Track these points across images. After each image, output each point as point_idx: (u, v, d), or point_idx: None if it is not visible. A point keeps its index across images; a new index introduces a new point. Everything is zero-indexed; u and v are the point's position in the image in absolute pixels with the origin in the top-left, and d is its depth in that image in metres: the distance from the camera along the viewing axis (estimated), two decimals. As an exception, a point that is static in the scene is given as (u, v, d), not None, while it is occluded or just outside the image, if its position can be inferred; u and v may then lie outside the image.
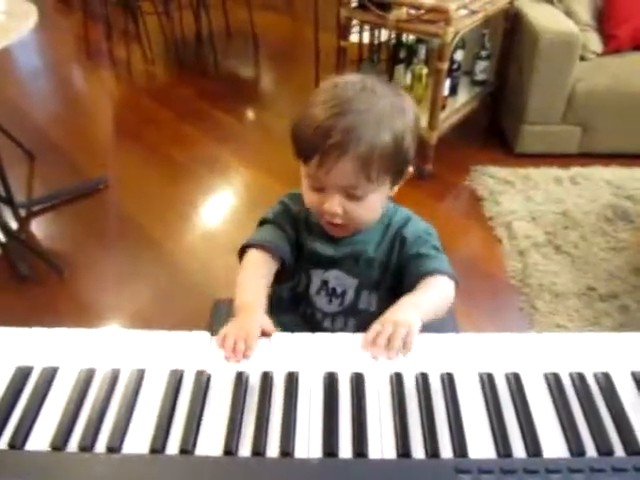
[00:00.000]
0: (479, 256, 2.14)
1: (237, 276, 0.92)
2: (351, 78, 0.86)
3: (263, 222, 1.01)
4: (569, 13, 2.52)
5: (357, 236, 0.95)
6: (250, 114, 3.36)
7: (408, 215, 1.00)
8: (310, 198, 0.89)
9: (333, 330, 1.01)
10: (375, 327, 0.78)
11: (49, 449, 0.63)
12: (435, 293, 0.89)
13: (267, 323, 0.81)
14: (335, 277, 0.98)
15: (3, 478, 0.60)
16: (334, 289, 0.99)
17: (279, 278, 0.98)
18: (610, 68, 2.49)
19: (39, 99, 3.50)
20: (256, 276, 0.92)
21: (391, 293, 0.97)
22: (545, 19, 2.40)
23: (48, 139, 2.91)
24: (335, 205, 0.84)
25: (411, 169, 0.91)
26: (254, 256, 0.94)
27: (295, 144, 0.86)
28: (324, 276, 0.98)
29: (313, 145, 0.81)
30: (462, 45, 2.55)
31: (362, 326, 0.99)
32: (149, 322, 1.84)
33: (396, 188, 0.92)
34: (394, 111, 0.83)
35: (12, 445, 0.63)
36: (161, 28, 3.89)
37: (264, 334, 0.79)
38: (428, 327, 0.83)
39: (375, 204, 0.88)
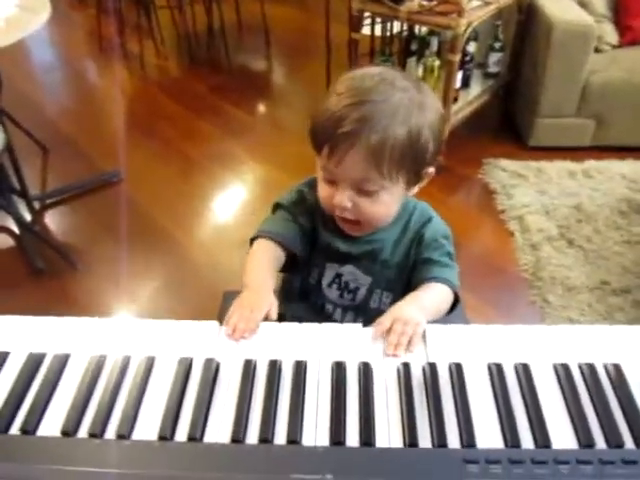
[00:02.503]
0: (491, 250, 2.12)
1: (246, 262, 0.92)
2: (370, 70, 0.84)
3: (277, 206, 1.00)
4: (584, 4, 2.49)
5: (374, 234, 0.94)
6: (262, 108, 3.36)
7: (429, 214, 0.98)
8: (323, 191, 0.87)
9: (342, 323, 1.01)
10: (385, 322, 0.77)
11: (60, 435, 0.64)
12: (438, 299, 0.89)
13: (273, 303, 0.81)
14: (350, 272, 0.97)
15: (15, 462, 0.61)
16: (347, 283, 0.98)
17: (292, 268, 0.98)
18: (625, 60, 2.46)
19: (53, 93, 3.53)
20: (264, 261, 0.92)
21: (406, 292, 0.96)
22: (559, 10, 2.37)
23: (61, 133, 2.94)
24: (345, 199, 0.83)
25: (432, 170, 0.87)
26: (263, 245, 0.94)
27: (310, 134, 0.85)
28: (339, 270, 0.98)
29: (324, 134, 0.80)
30: (475, 37, 2.53)
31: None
32: (160, 314, 1.85)
33: (415, 189, 0.89)
34: (412, 105, 0.80)
35: (24, 430, 0.64)
36: (173, 22, 3.90)
37: (267, 317, 0.79)
38: (437, 321, 0.83)
39: (388, 203, 0.86)
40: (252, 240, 0.96)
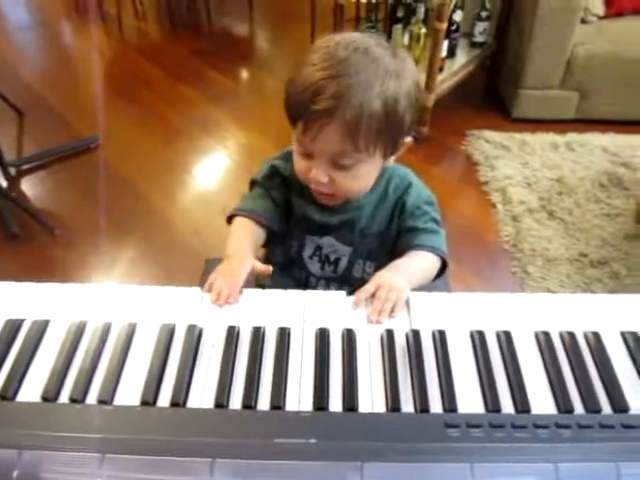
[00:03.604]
0: (473, 221, 2.13)
1: (227, 240, 0.92)
2: (345, 37, 0.79)
3: (252, 183, 0.99)
4: (572, -26, 2.46)
5: (351, 203, 0.92)
6: (244, 73, 3.29)
7: (409, 180, 0.96)
8: (298, 164, 0.86)
9: None
10: (369, 289, 0.77)
11: (40, 400, 0.63)
12: (422, 266, 0.89)
13: (254, 261, 0.81)
14: (329, 244, 0.96)
15: (-6, 427, 0.60)
16: (327, 256, 0.97)
17: (271, 242, 0.97)
18: (611, 32, 2.45)
19: (28, 55, 3.41)
20: (243, 236, 0.92)
21: (390, 261, 0.96)
22: (547, -21, 2.34)
23: (38, 96, 2.85)
24: (321, 173, 0.81)
25: (408, 139, 0.86)
26: (240, 223, 0.94)
27: (285, 106, 0.82)
28: (319, 242, 0.97)
29: (298, 109, 0.78)
30: (461, 5, 2.49)
31: None
32: (140, 282, 1.83)
33: (392, 159, 0.88)
34: (387, 75, 0.77)
35: (3, 396, 0.63)
36: (152, -18, 3.79)
37: (259, 272, 0.80)
38: (421, 289, 0.83)
39: (364, 175, 0.85)
40: (229, 218, 0.96)
